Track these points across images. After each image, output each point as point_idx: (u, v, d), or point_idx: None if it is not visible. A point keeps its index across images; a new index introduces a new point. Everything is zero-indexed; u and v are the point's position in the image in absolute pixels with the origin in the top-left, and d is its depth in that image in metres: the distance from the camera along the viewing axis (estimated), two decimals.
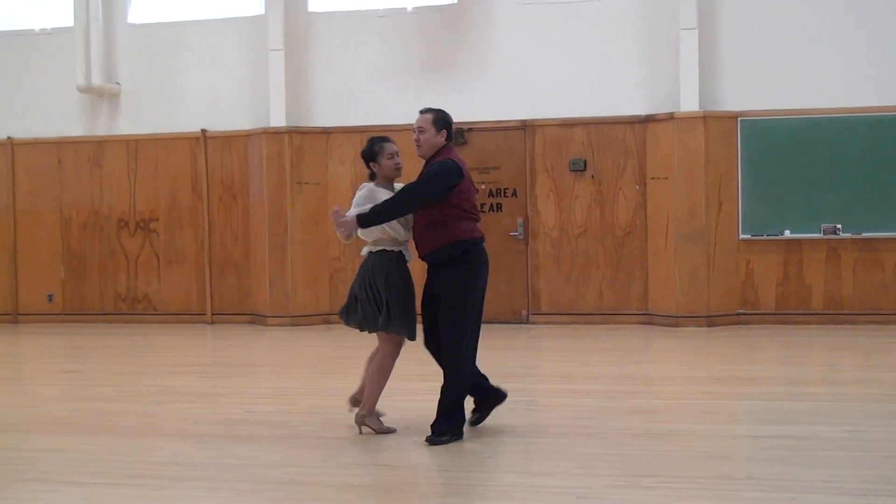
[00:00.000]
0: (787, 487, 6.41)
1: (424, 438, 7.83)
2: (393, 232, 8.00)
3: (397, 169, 8.17)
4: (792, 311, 14.65)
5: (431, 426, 7.87)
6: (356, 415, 8.21)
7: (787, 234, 14.55)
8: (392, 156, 8.14)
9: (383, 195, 7.99)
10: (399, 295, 8.01)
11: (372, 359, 8.32)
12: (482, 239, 8.15)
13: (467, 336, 7.91)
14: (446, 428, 7.82)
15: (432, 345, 8.15)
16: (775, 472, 6.80)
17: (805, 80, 14.57)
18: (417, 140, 8.07)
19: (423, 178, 7.94)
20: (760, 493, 6.40)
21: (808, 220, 14.48)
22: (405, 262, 8.15)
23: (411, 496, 6.64)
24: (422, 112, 8.18)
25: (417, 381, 9.35)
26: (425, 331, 8.16)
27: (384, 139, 8.24)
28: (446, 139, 8.08)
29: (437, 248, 7.92)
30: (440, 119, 8.08)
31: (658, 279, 14.89)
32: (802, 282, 14.60)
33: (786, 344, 13.32)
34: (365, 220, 7.81)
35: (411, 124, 15.24)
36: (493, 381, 8.36)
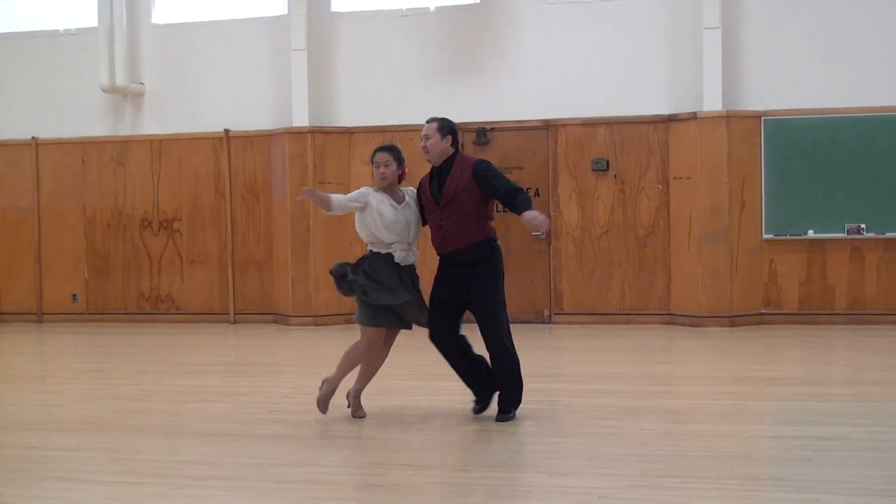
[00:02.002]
0: (811, 488, 6.38)
1: (495, 418, 8.44)
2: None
3: (380, 178, 8.62)
4: (815, 311, 14.59)
5: (501, 406, 8.51)
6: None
7: (811, 233, 14.50)
8: (378, 165, 8.63)
9: (373, 198, 8.58)
10: None
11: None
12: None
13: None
14: (514, 406, 8.53)
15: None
16: (798, 473, 6.77)
17: (829, 79, 14.52)
18: (425, 147, 8.63)
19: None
20: (783, 493, 6.37)
21: (832, 220, 14.42)
22: None
23: (433, 496, 6.62)
24: (428, 121, 8.74)
25: (441, 381, 9.34)
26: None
27: (379, 148, 8.77)
28: (452, 144, 8.66)
29: (473, 243, 8.50)
30: (445, 126, 8.65)
31: (681, 279, 14.86)
32: (826, 282, 14.54)
33: (809, 344, 13.29)
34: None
35: None
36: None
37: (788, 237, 14.60)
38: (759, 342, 13.30)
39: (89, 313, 16.94)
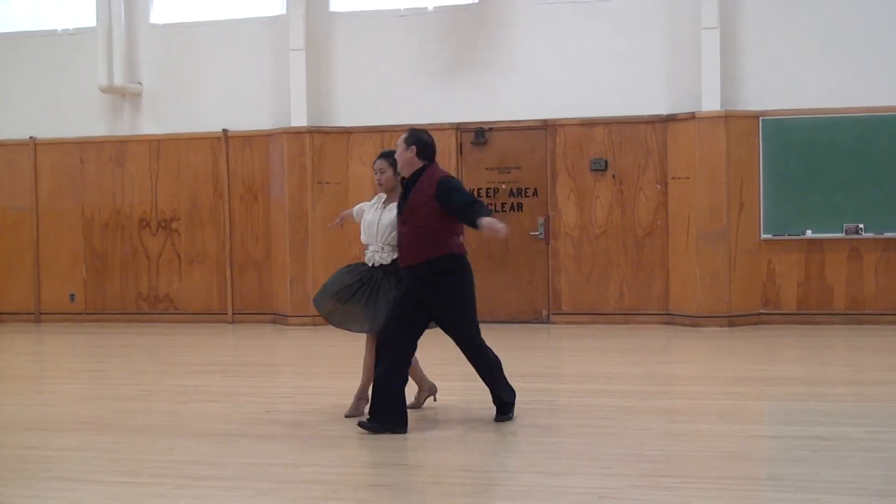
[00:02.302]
0: (810, 488, 6.37)
1: (495, 418, 8.43)
2: None
3: (377, 185, 8.83)
4: (814, 311, 14.58)
5: (500, 407, 8.49)
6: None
7: (809, 233, 14.49)
8: (375, 172, 8.82)
9: (370, 203, 9.00)
10: None
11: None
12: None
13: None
14: (511, 407, 8.51)
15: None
16: (797, 473, 6.77)
17: (827, 79, 14.50)
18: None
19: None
20: (783, 493, 6.36)
21: (830, 220, 14.41)
22: None
23: (431, 496, 6.62)
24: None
25: (437, 380, 9.32)
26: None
27: (379, 155, 8.89)
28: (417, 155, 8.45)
29: (435, 258, 8.30)
30: (411, 136, 8.48)
31: (679, 279, 14.85)
32: (824, 282, 14.53)
33: (807, 344, 13.28)
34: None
35: (432, 124, 15.42)
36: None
37: (787, 237, 14.59)
38: (757, 342, 13.29)
39: (88, 313, 16.92)
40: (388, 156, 8.69)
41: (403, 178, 8.52)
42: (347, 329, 8.81)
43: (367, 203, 9.05)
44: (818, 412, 8.82)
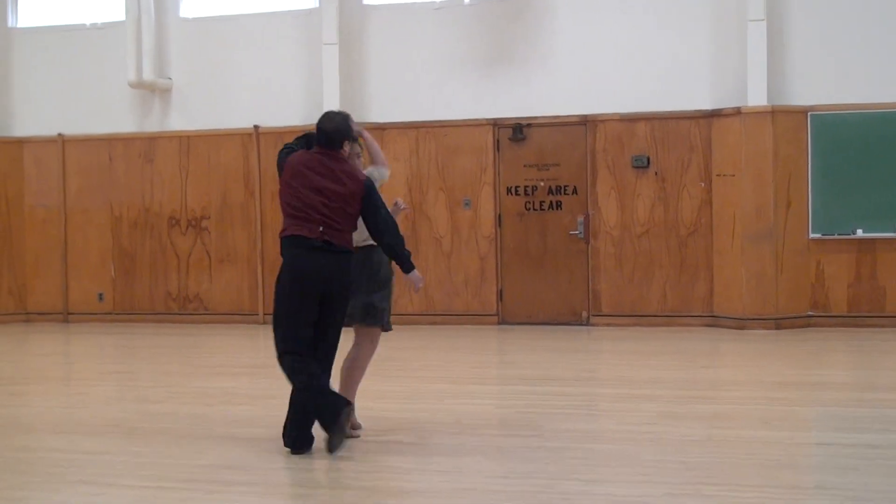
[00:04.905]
0: (859, 498, 6.22)
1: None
2: None
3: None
4: (864, 313, 14.29)
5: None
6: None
7: (860, 233, 14.21)
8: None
9: None
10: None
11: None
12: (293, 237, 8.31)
13: None
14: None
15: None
16: (846, 482, 6.62)
17: (877, 72, 14.23)
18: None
19: None
20: (830, 503, 6.17)
21: (882, 219, 14.12)
22: None
23: (469, 502, 6.45)
24: None
25: (473, 384, 9.12)
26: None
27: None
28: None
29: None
30: None
31: (724, 280, 14.58)
32: (876, 283, 14.24)
33: (857, 348, 13.05)
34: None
35: (469, 119, 15.15)
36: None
37: (836, 237, 14.32)
38: (805, 346, 13.10)
39: (116, 313, 16.82)
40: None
41: None
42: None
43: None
44: (868, 418, 8.62)
